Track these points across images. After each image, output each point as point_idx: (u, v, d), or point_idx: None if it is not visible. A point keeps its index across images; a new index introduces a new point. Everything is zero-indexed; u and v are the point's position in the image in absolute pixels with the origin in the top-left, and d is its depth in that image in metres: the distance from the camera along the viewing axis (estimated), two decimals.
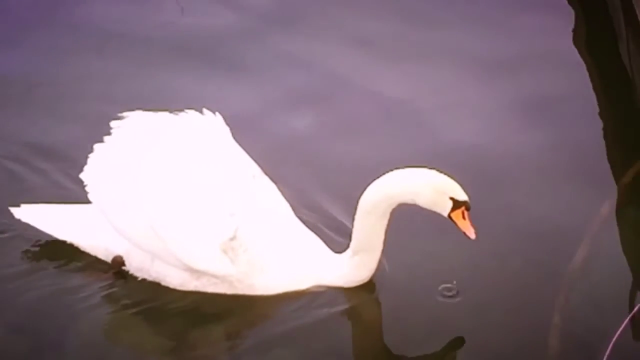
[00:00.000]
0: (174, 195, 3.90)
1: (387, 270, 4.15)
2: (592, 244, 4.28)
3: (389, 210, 3.88)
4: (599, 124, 5.12)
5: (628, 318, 3.83)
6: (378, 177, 3.91)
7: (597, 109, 5.22)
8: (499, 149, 4.90)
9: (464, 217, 3.86)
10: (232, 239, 3.87)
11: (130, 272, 4.12)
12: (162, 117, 4.10)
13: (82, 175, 4.09)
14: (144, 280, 4.11)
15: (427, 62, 5.53)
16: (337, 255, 4.10)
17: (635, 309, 3.90)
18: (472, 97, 5.29)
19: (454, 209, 3.84)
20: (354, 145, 4.97)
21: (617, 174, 4.74)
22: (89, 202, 4.13)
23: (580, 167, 4.75)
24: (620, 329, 3.76)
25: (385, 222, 3.91)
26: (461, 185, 3.86)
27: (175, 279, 4.02)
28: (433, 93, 5.33)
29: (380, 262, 4.07)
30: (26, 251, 4.31)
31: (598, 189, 4.61)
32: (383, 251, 4.03)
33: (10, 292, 4.14)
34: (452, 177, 3.87)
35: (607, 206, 4.50)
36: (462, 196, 3.84)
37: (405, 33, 5.75)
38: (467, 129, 5.04)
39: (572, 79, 5.41)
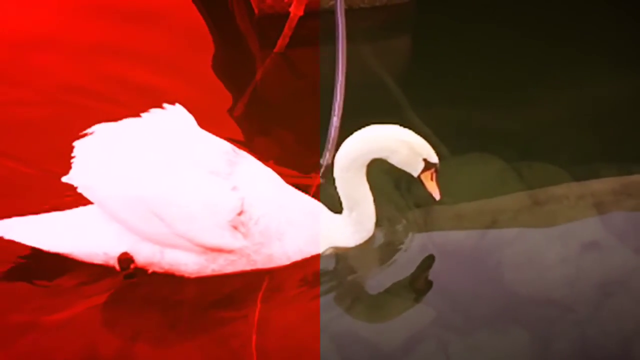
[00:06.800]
0: (173, 182, 3.82)
1: None
2: None
3: (366, 163, 3.94)
4: None
5: None
6: None
7: None
8: None
9: (432, 179, 3.97)
10: (240, 213, 3.85)
11: (139, 267, 3.95)
12: (129, 123, 4.02)
13: (69, 178, 3.88)
14: (154, 273, 3.95)
15: None
16: (338, 216, 4.09)
17: None
18: None
19: (424, 170, 3.94)
20: None
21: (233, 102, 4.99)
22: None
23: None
24: None
25: (363, 173, 3.96)
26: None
27: (191, 266, 3.93)
28: None
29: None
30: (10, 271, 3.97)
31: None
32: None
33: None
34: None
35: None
36: (434, 158, 3.93)
37: None
38: None
39: None
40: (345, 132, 4.39)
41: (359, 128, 3.94)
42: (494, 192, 4.40)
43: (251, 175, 3.96)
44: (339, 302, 3.91)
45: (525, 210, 4.31)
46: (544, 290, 3.95)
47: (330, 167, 4.15)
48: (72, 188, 3.93)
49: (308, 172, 4.43)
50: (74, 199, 4.08)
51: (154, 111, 4.04)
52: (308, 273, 3.98)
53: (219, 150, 3.97)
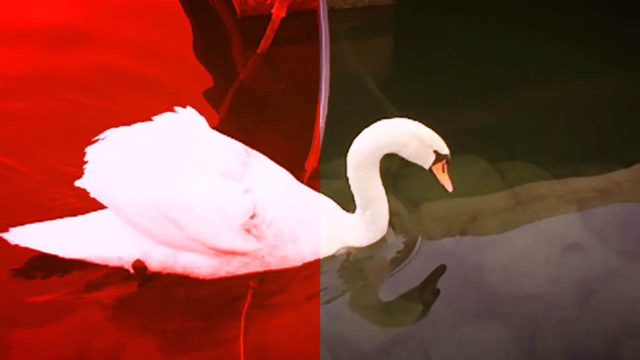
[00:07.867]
0: (186, 186, 3.81)
1: None
2: None
3: (378, 159, 3.94)
4: None
5: None
6: None
7: None
8: None
9: (443, 171, 3.97)
10: (252, 216, 3.85)
11: (153, 271, 3.95)
12: (141, 127, 4.00)
13: (81, 183, 3.90)
14: (168, 275, 3.94)
15: None
16: (351, 215, 4.09)
17: None
18: None
19: (435, 162, 3.94)
20: None
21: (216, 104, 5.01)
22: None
23: None
24: None
25: (376, 170, 3.96)
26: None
27: (205, 269, 3.93)
28: None
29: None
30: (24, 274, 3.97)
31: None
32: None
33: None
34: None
35: None
36: (444, 150, 3.93)
37: None
38: None
39: None
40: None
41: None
42: (477, 193, 4.42)
43: (263, 177, 3.96)
44: (350, 306, 3.92)
45: (508, 210, 4.34)
46: (527, 289, 3.97)
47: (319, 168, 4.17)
48: (61, 191, 3.94)
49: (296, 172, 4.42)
50: (63, 202, 4.10)
51: (165, 114, 4.04)
52: (311, 276, 3.99)
53: (231, 152, 3.96)
